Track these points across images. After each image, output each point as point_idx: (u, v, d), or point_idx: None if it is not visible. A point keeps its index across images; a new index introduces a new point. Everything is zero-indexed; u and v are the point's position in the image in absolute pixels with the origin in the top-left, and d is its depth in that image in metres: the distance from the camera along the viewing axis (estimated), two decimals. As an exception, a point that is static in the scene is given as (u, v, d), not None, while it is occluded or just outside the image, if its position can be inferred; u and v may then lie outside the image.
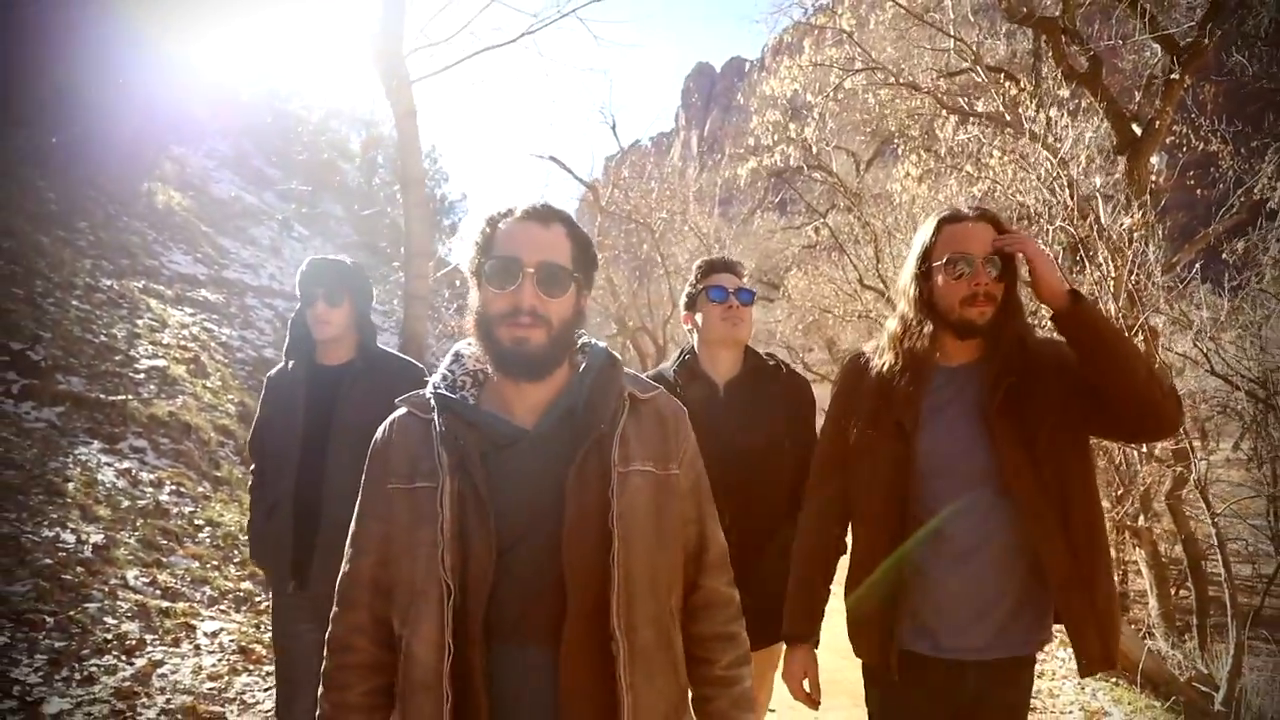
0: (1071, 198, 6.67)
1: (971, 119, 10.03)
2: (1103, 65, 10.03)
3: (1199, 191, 10.21)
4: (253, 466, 3.18)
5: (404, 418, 1.63)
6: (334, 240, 14.44)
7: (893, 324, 2.21)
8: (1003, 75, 11.07)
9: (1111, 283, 6.26)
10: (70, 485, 4.93)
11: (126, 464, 5.50)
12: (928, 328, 2.12)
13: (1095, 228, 6.62)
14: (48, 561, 4.26)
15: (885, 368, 2.16)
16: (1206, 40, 8.23)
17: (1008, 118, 9.32)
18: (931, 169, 10.88)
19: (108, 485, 5.19)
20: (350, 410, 2.90)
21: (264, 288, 10.16)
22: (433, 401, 1.60)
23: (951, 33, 10.65)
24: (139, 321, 7.27)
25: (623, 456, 1.56)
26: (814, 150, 13.46)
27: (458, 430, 1.55)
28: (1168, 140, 9.63)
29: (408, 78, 7.65)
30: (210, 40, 12.27)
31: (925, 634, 2.08)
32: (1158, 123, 8.84)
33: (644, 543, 1.53)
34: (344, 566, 1.63)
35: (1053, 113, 8.42)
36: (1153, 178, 9.31)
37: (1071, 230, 6.62)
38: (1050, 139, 7.74)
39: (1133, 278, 6.17)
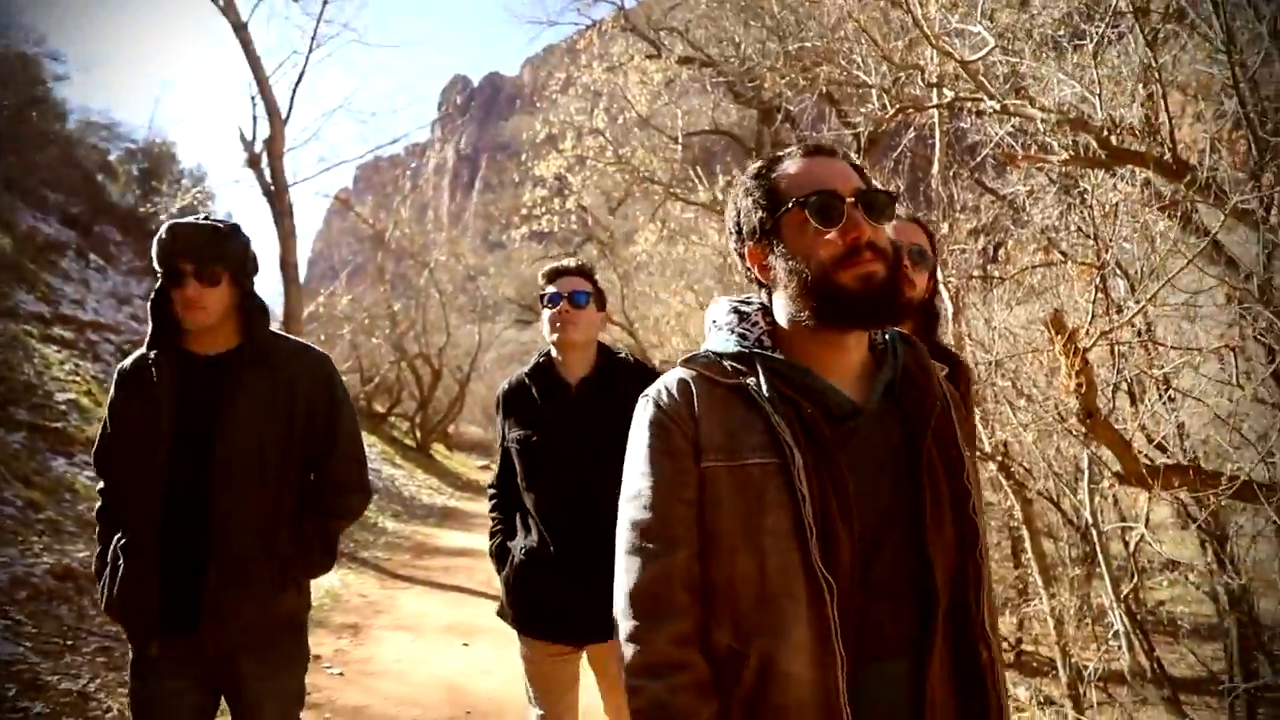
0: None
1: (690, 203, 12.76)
2: (804, 140, 13.19)
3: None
4: (100, 485, 2.51)
5: (689, 381, 1.39)
6: (119, 267, 14.84)
7: None
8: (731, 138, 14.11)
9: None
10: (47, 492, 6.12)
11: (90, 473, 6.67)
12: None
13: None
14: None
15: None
16: (883, 127, 11.28)
17: (719, 195, 12.07)
18: (664, 235, 13.50)
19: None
20: (242, 411, 2.31)
21: (94, 322, 10.92)
22: (757, 363, 1.37)
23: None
24: (35, 360, 8.16)
25: (964, 437, 1.40)
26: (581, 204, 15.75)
27: (795, 397, 1.33)
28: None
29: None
30: None
31: None
32: None
33: (986, 535, 1.34)
34: (637, 567, 1.34)
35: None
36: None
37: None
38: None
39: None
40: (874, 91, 10.07)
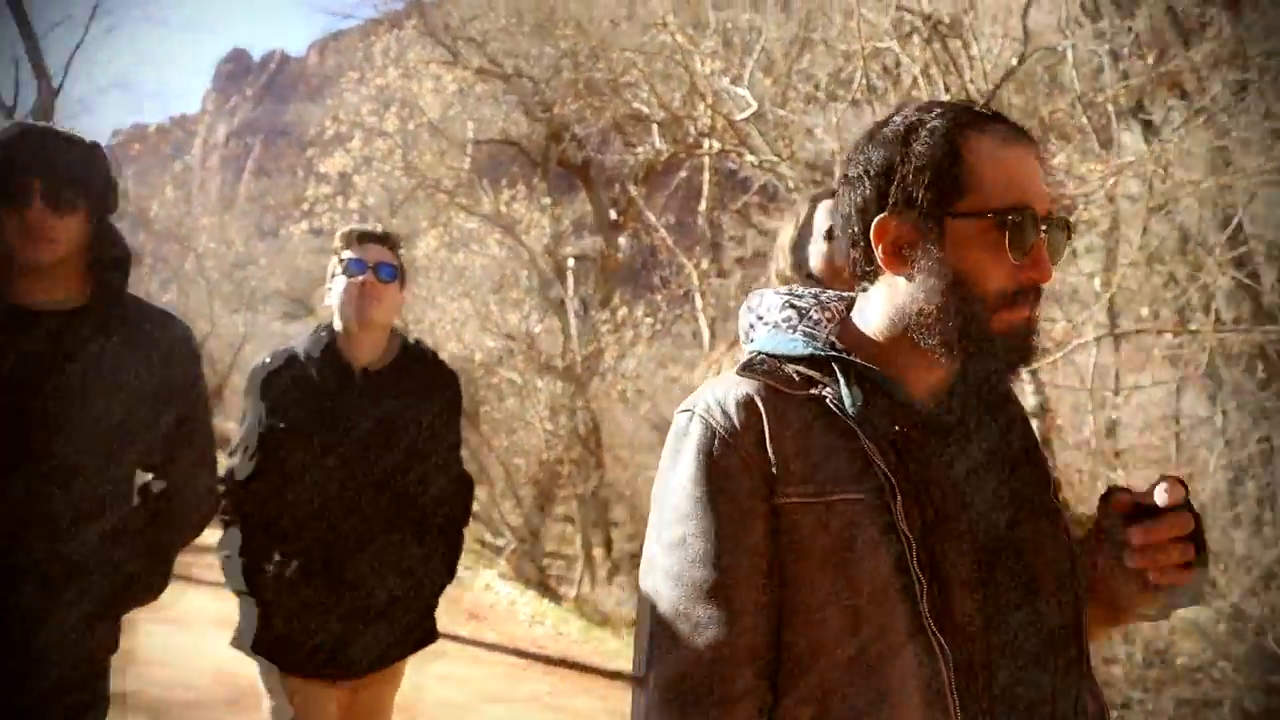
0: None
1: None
2: (590, 164, 13.87)
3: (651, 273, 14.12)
4: None
5: (753, 394, 1.06)
6: None
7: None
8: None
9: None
10: None
11: None
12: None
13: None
14: None
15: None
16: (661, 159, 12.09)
17: (502, 209, 12.51)
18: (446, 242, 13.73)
19: None
20: (76, 389, 1.81)
21: None
22: (838, 371, 1.07)
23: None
24: None
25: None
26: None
27: (888, 413, 1.05)
28: (633, 228, 13.64)
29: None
30: None
31: None
32: (624, 215, 12.87)
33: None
34: (685, 640, 1.02)
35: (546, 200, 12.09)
36: (619, 255, 13.28)
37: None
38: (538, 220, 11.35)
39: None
40: (655, 127, 10.91)
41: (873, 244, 1.09)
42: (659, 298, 11.97)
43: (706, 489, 1.05)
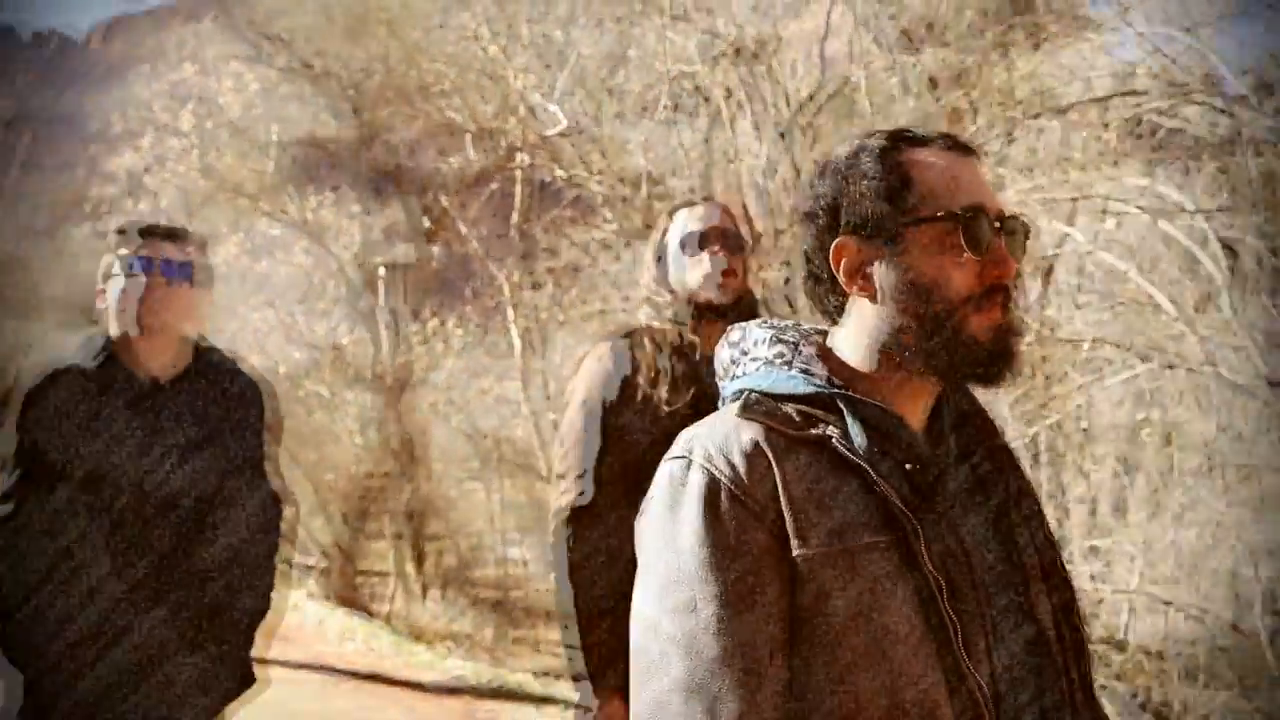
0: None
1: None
2: (402, 170, 13.68)
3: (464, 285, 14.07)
4: None
5: (758, 439, 1.00)
6: None
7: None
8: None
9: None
10: None
11: None
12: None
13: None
14: None
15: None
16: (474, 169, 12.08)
17: (309, 215, 12.23)
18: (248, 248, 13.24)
19: None
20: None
21: None
22: (843, 409, 1.02)
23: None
24: None
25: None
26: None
27: (894, 449, 1.02)
28: (445, 238, 13.53)
29: None
30: None
31: None
32: (436, 224, 12.82)
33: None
34: (708, 714, 0.92)
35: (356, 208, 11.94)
36: (432, 264, 13.17)
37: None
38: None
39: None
40: (468, 137, 10.90)
41: (834, 269, 1.08)
42: (470, 309, 11.95)
43: (715, 547, 0.96)
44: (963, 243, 1.01)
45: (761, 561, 0.95)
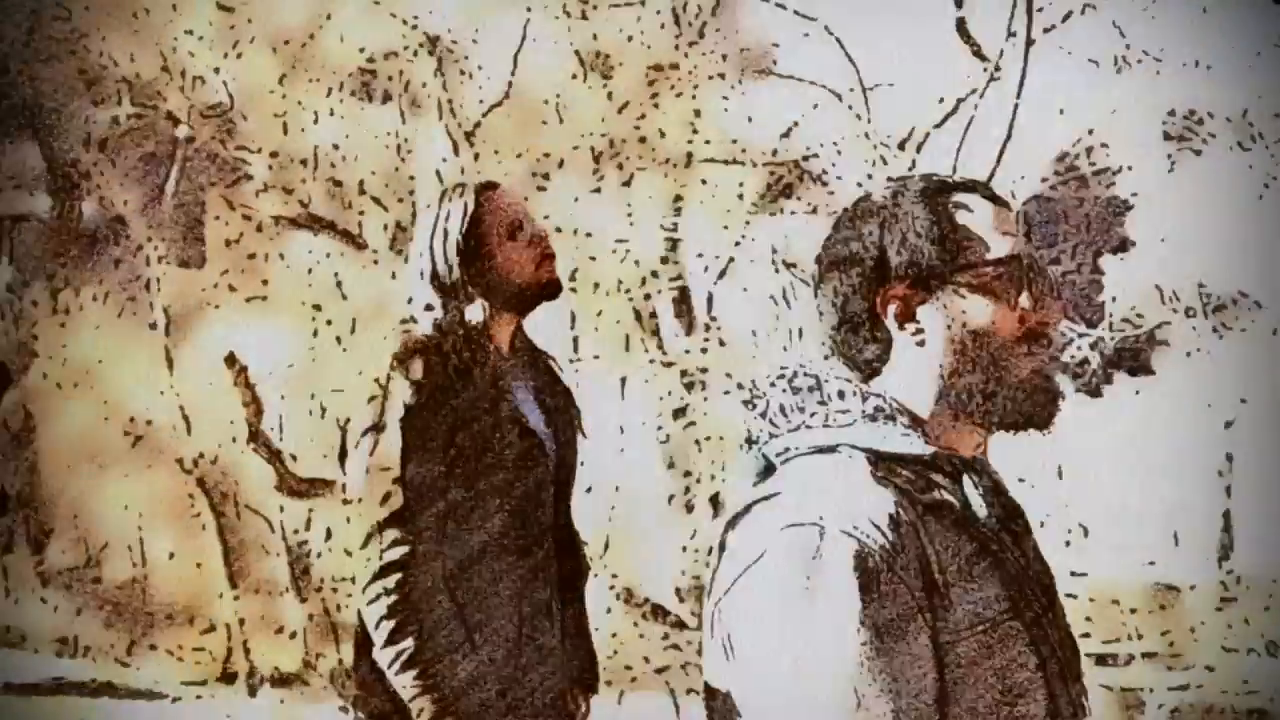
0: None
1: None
2: (43, 110, 12.11)
3: (105, 251, 12.81)
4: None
5: (898, 503, 0.90)
6: None
7: None
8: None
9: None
10: None
11: None
12: None
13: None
14: None
15: None
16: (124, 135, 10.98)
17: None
18: None
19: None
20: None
21: None
22: (962, 473, 0.98)
23: None
24: None
25: None
26: None
27: (1007, 519, 1.00)
28: (88, 196, 12.18)
29: None
30: None
31: None
32: (82, 180, 11.54)
33: None
34: None
35: None
36: (72, 224, 11.84)
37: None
38: None
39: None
40: (124, 91, 9.84)
41: (881, 313, 1.00)
42: (114, 279, 10.86)
43: (878, 632, 0.83)
44: (1013, 288, 0.98)
45: (920, 643, 0.85)
